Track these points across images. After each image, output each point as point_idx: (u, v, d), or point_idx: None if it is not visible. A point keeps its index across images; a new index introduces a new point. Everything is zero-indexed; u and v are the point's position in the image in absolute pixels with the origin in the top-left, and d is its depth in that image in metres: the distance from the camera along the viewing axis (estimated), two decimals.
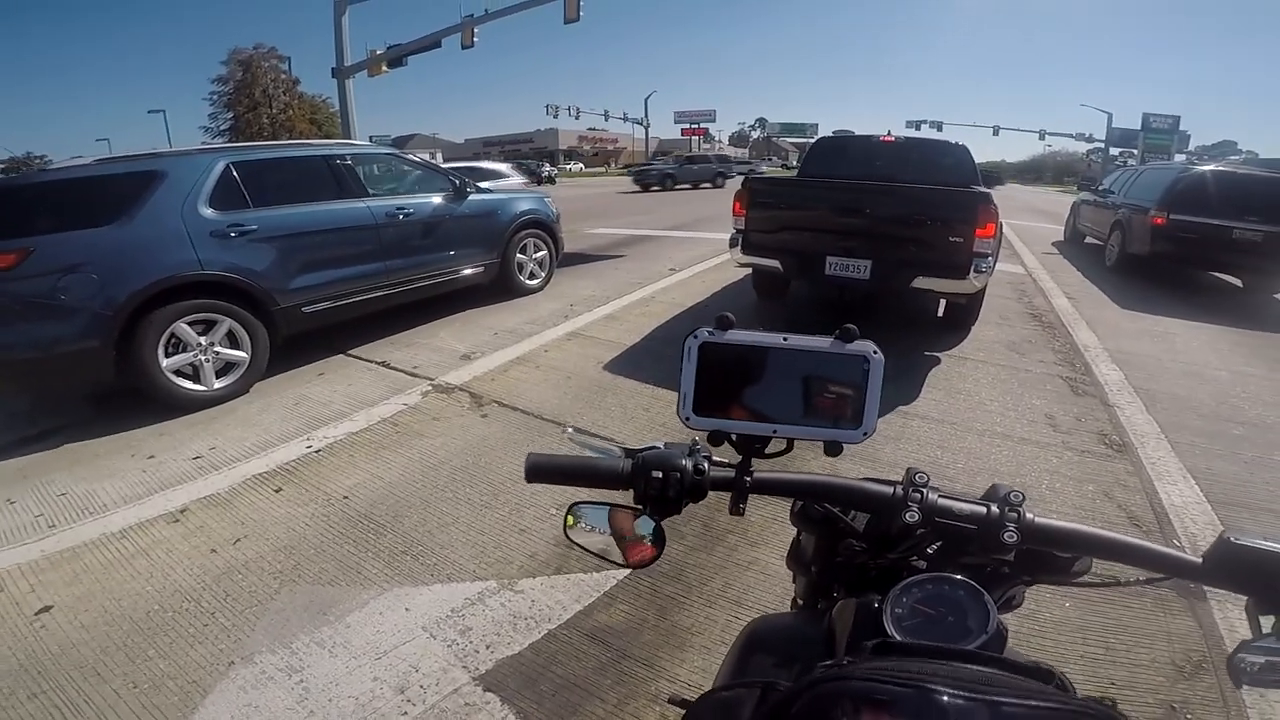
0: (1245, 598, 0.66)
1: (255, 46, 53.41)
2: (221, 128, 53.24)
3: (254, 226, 4.11)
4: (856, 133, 8.42)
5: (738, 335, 0.73)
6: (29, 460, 3.27)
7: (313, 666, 1.86)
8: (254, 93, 52.53)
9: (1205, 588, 2.19)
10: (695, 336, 0.73)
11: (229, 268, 3.94)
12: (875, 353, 0.71)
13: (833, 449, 0.73)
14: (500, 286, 6.23)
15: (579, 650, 1.92)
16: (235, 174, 4.15)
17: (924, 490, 0.72)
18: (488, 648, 1.92)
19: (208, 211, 3.93)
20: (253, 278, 4.05)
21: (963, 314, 5.21)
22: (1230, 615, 2.10)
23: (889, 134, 6.68)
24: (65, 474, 3.09)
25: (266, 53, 53.25)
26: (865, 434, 0.72)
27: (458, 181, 5.83)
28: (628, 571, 2.23)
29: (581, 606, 2.10)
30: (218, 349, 3.91)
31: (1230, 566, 0.64)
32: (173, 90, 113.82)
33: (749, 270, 5.63)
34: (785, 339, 0.72)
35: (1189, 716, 1.75)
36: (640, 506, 0.77)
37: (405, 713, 1.70)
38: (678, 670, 1.85)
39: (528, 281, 6.51)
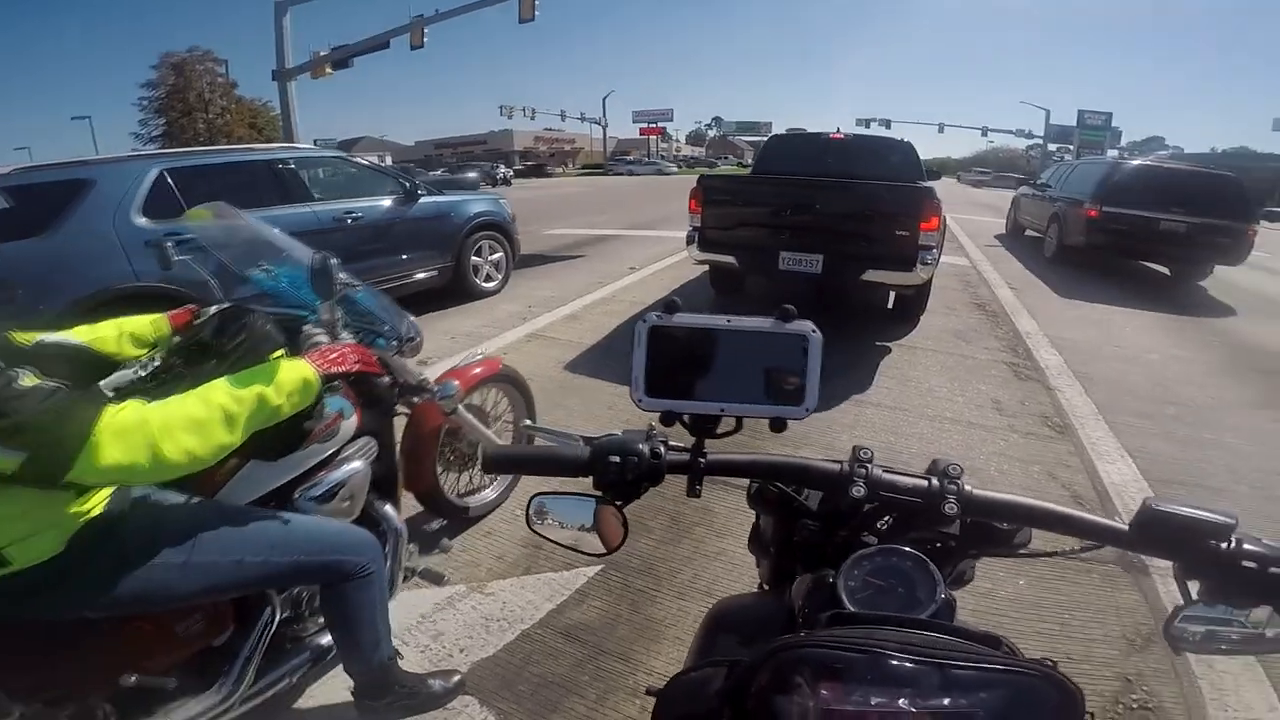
0: (1172, 564, 0.69)
1: (190, 49, 51.20)
2: (153, 134, 50.80)
3: (192, 235, 3.96)
4: (809, 130, 8.58)
5: (684, 318, 0.75)
6: None
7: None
8: (188, 97, 50.20)
9: (1147, 563, 2.27)
10: (644, 321, 0.75)
11: (166, 279, 3.78)
12: (814, 331, 0.73)
13: (777, 425, 0.76)
14: (456, 290, 6.14)
15: (554, 648, 1.92)
16: (170, 181, 3.99)
17: (868, 465, 0.75)
18: (461, 651, 1.90)
19: (141, 220, 3.78)
20: (192, 288, 3.89)
21: (911, 305, 5.38)
22: (1172, 589, 2.19)
23: (839, 131, 6.84)
24: None
25: (202, 55, 51.06)
26: (808, 410, 0.75)
27: (408, 184, 5.73)
28: (598, 568, 2.24)
29: (554, 605, 2.10)
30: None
31: (1155, 532, 0.67)
32: (98, 96, 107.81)
33: (707, 268, 5.70)
34: (729, 320, 0.75)
35: (1144, 688, 1.82)
36: (599, 494, 0.79)
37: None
38: (654, 662, 1.86)
39: (484, 284, 6.42)
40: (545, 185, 34.59)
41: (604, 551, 0.81)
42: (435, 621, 2.01)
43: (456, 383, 1.93)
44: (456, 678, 1.73)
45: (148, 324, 1.57)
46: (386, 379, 1.58)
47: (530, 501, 0.82)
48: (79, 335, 1.40)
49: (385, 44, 18.25)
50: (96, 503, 1.18)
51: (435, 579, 1.91)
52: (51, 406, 0.96)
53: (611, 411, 3.64)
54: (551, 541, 0.82)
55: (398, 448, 1.91)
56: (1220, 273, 8.23)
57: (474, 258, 6.28)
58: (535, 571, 2.27)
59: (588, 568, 2.25)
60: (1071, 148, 46.31)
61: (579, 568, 2.26)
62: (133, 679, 1.29)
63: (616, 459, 0.76)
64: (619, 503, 0.79)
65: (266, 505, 1.46)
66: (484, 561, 2.33)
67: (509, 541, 2.44)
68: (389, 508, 1.74)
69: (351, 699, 1.57)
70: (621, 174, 37.54)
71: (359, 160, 6.13)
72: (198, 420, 1.08)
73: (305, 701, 1.72)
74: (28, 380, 0.97)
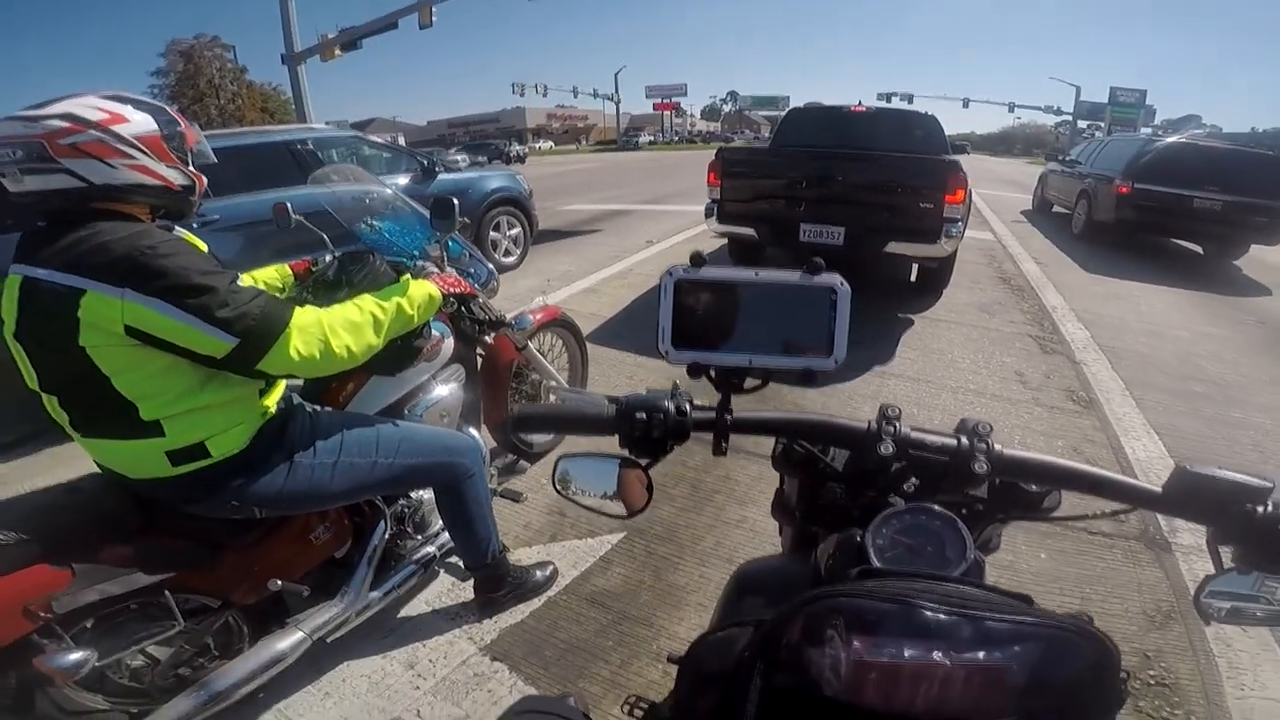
0: (1205, 530, 0.68)
1: (196, 36, 50.82)
2: None
3: (215, 216, 4.00)
4: (828, 104, 8.40)
5: (711, 271, 0.74)
6: None
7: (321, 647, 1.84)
8: (199, 84, 49.83)
9: (1169, 540, 2.26)
10: (671, 274, 0.74)
11: None
12: (842, 284, 0.72)
13: (807, 377, 0.74)
14: None
15: (580, 615, 1.95)
16: None
17: (896, 423, 0.74)
18: (491, 619, 1.93)
19: None
20: None
21: (935, 278, 5.30)
22: (1195, 566, 2.17)
23: (860, 104, 6.70)
24: None
25: (209, 42, 50.68)
26: (836, 362, 0.73)
27: (425, 162, 5.73)
28: (622, 535, 2.27)
29: (579, 572, 2.13)
30: None
31: (1188, 495, 0.66)
32: (107, 85, 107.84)
33: (725, 240, 5.65)
34: (757, 273, 0.73)
35: (1161, 664, 1.81)
36: (626, 452, 0.78)
37: (417, 687, 1.71)
38: (677, 628, 1.89)
39: (502, 259, 6.43)
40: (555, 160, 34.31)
41: (626, 514, 0.81)
42: (464, 589, 2.02)
43: (531, 317, 2.39)
44: (551, 568, 2.05)
45: (274, 272, 1.86)
46: (478, 306, 1.93)
47: (555, 464, 0.82)
48: None
49: (393, 24, 17.95)
50: (271, 403, 1.42)
51: (514, 497, 2.26)
52: (261, 302, 1.21)
53: (631, 382, 3.65)
54: (575, 503, 0.83)
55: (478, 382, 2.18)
56: (1256, 252, 7.99)
57: (492, 233, 6.29)
58: (560, 539, 2.30)
59: (611, 535, 2.28)
60: (1102, 124, 44.86)
61: (603, 535, 2.28)
62: (278, 584, 1.49)
63: (643, 416, 0.75)
64: (644, 462, 0.78)
65: None
66: (511, 529, 2.36)
67: (535, 510, 2.47)
68: (473, 430, 2.00)
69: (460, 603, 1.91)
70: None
71: (374, 139, 6.13)
72: (355, 322, 1.35)
73: (424, 608, 1.95)
74: (244, 281, 1.23)
